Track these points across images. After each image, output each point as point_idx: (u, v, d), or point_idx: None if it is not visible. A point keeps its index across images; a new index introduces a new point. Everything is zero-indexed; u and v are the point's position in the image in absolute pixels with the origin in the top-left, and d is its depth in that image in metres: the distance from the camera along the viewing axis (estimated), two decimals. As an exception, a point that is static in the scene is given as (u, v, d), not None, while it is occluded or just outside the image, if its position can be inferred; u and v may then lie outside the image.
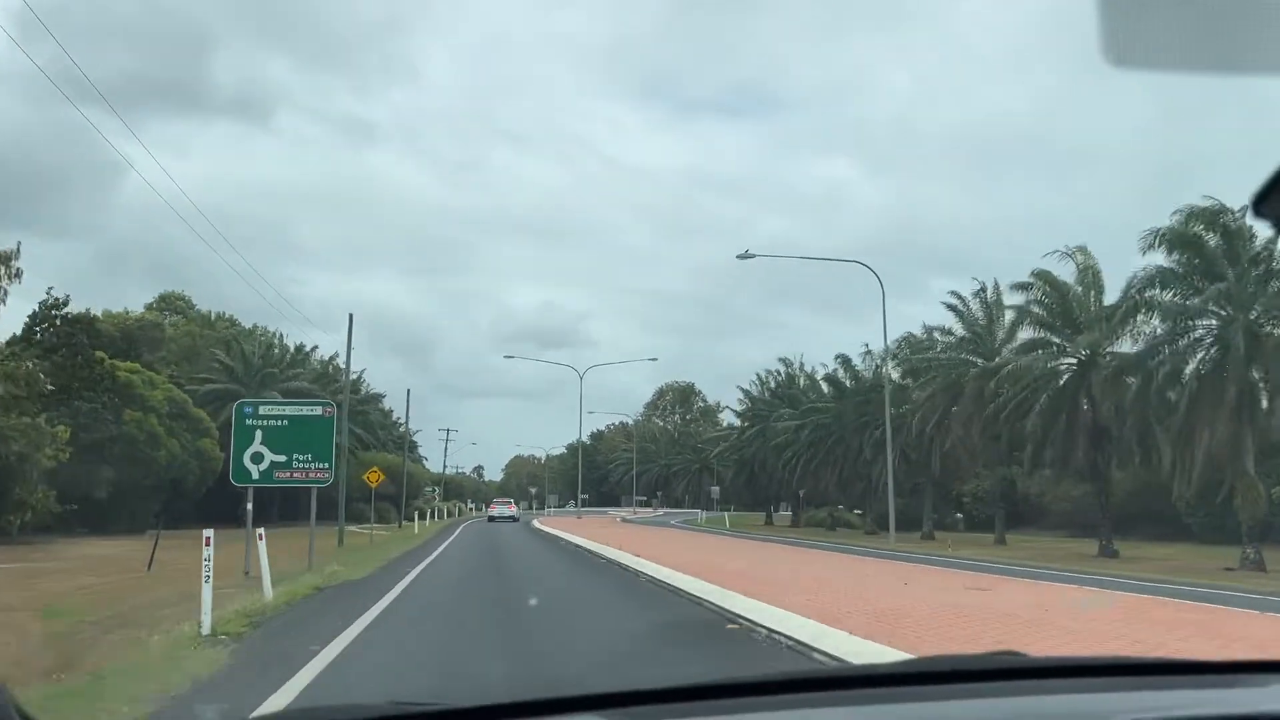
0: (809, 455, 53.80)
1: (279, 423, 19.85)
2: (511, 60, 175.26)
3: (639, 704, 1.59)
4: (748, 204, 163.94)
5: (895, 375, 44.08)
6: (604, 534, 37.52)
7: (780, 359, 70.15)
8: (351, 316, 51.63)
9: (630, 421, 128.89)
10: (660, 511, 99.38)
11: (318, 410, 20.70)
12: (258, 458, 19.61)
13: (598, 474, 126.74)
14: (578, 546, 30.97)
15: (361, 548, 30.40)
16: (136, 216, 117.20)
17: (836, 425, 52.05)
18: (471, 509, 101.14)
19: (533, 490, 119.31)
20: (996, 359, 36.81)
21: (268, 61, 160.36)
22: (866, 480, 49.69)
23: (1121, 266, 46.79)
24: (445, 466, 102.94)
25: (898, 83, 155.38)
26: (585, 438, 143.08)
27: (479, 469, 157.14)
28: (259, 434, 19.68)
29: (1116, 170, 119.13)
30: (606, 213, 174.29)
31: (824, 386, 57.45)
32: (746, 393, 72.04)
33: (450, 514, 77.17)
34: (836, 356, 54.95)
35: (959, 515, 52.71)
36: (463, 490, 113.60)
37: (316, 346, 63.92)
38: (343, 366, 64.88)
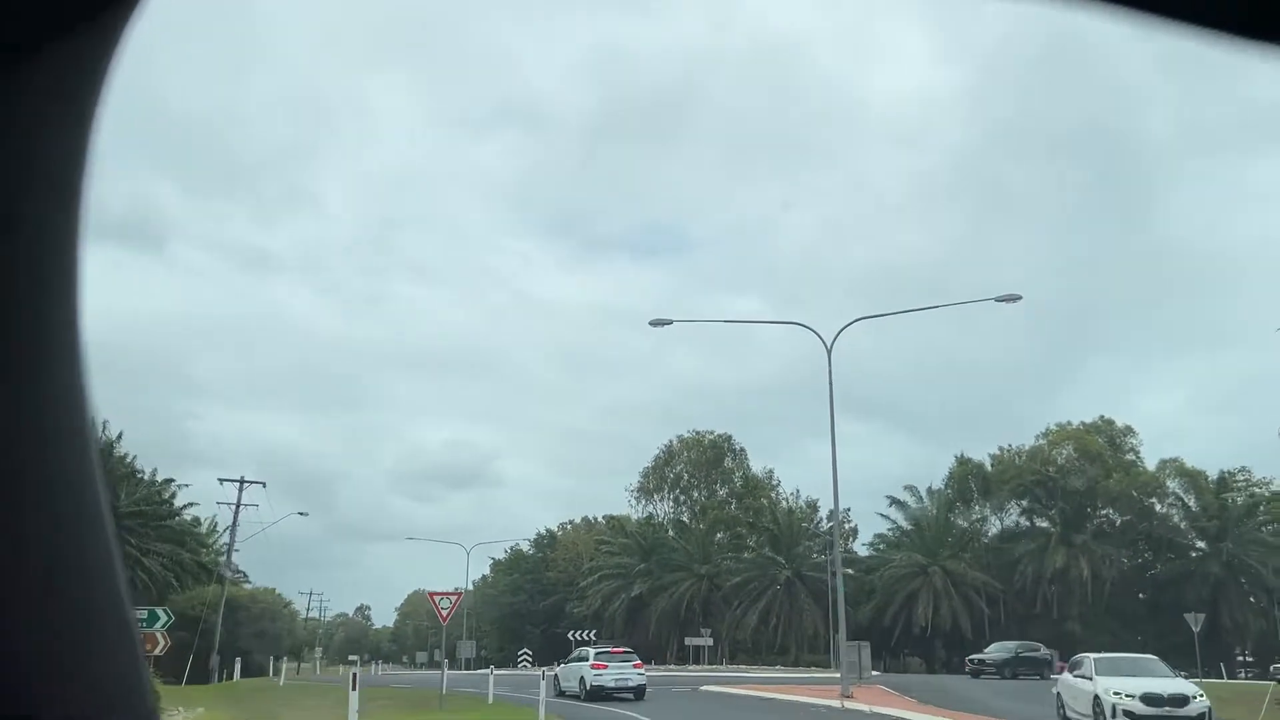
0: None
1: None
2: (418, 193, 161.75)
3: None
4: (660, 340, 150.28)
5: None
6: None
7: None
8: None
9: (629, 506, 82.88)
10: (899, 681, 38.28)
11: None
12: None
13: (544, 606, 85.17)
14: None
15: None
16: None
17: None
18: (359, 666, 53.09)
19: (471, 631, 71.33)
20: None
21: (158, 187, 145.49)
22: None
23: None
24: (232, 546, 48.68)
25: (805, 223, 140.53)
26: (524, 543, 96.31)
27: (364, 609, 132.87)
28: None
29: (1019, 316, 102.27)
30: (515, 348, 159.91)
31: None
32: None
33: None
34: None
35: None
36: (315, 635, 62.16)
37: None
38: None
